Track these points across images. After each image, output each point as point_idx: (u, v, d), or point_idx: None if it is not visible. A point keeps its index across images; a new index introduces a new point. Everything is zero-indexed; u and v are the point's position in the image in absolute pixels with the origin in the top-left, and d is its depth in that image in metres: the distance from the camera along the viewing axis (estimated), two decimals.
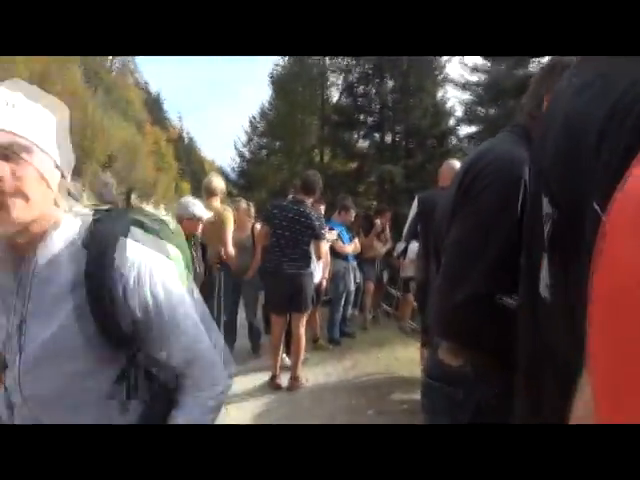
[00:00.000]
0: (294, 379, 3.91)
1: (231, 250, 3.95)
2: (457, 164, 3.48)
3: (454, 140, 16.00)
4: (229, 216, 3.96)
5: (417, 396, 3.76)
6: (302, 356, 3.98)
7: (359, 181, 16.63)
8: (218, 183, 4.14)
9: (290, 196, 4.05)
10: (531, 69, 13.65)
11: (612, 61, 0.57)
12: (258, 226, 4.80)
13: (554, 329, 0.62)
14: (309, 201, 3.85)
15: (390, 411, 3.52)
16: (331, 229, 5.15)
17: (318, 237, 3.76)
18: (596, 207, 0.50)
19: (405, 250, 6.21)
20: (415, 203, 3.56)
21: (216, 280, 4.07)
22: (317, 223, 3.73)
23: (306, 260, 3.79)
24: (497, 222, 0.91)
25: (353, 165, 17.06)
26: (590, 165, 0.51)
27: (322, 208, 4.82)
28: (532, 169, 0.72)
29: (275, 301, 3.96)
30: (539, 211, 0.63)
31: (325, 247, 3.89)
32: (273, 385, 3.89)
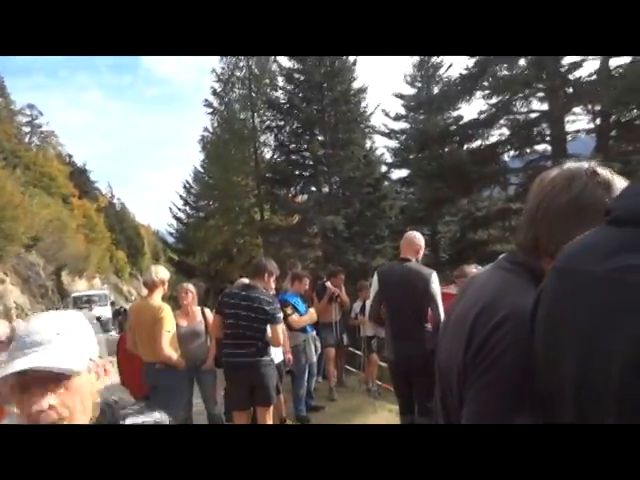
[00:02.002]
0: None
1: (165, 352, 3.65)
2: (417, 235, 3.52)
3: (387, 184, 16.75)
4: (164, 317, 3.68)
5: None
6: None
7: (302, 234, 16.78)
8: (163, 274, 3.88)
9: (240, 282, 3.87)
10: (447, 115, 14.75)
11: None
12: (207, 311, 4.54)
13: None
14: (260, 284, 3.70)
15: None
16: (286, 302, 4.97)
17: (273, 322, 3.52)
18: None
19: (363, 308, 6.15)
20: (375, 279, 3.50)
21: (162, 380, 3.74)
22: (270, 307, 3.51)
23: (263, 348, 3.54)
24: (520, 399, 0.80)
25: (294, 219, 17.22)
26: None
27: (272, 286, 4.67)
28: None
29: (236, 396, 3.65)
30: None
31: (281, 331, 3.68)
32: None
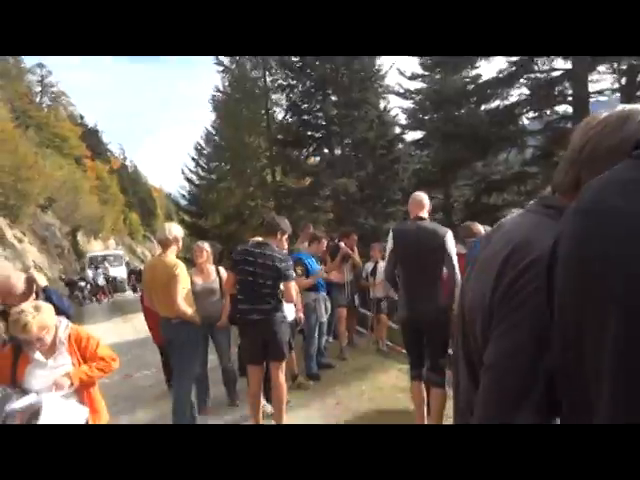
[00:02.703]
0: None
1: (180, 307, 3.72)
2: (423, 196, 3.45)
3: (401, 147, 16.43)
4: (179, 274, 3.72)
5: None
6: (285, 404, 3.80)
7: (314, 196, 16.68)
8: (177, 231, 3.90)
9: (253, 240, 3.88)
10: (465, 74, 14.22)
11: None
12: (222, 269, 4.60)
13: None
14: (273, 242, 3.70)
15: None
16: (299, 261, 5.00)
17: (286, 279, 3.57)
18: None
19: (374, 270, 6.18)
20: (390, 237, 3.47)
21: (178, 335, 3.84)
22: (283, 264, 3.54)
23: (276, 305, 3.59)
24: (547, 342, 0.80)
25: (306, 181, 17.08)
26: None
27: (285, 246, 4.71)
28: None
29: (250, 350, 3.74)
30: None
31: (294, 289, 3.72)
32: None
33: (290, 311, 4.53)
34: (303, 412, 4.22)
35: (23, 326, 2.16)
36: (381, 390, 4.61)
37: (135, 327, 9.76)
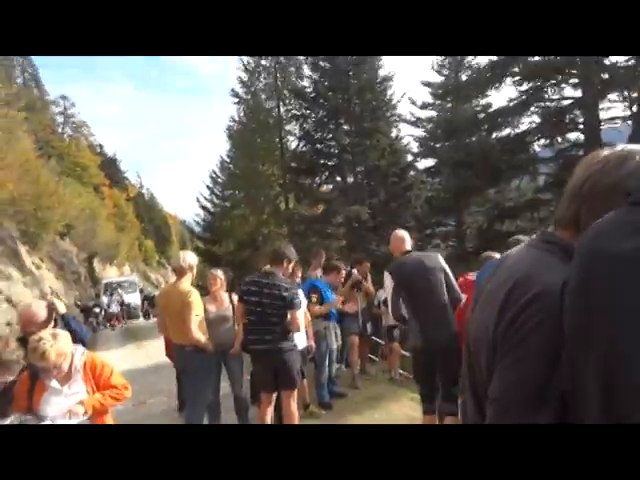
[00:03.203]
0: None
1: (194, 334, 3.76)
2: (405, 232, 3.70)
3: (413, 174, 16.56)
4: (192, 301, 3.79)
5: None
6: None
7: (326, 223, 16.79)
8: (191, 259, 3.99)
9: (262, 270, 3.94)
10: (475, 103, 14.43)
11: None
12: (235, 296, 4.64)
13: None
14: (279, 272, 3.74)
15: None
16: (314, 288, 5.03)
17: (292, 307, 3.58)
18: None
19: (386, 299, 6.15)
20: (387, 277, 3.59)
21: (191, 362, 3.87)
22: (288, 293, 3.57)
23: (284, 333, 3.60)
24: (551, 372, 0.82)
25: (319, 209, 17.23)
26: None
27: (299, 274, 4.76)
28: None
29: (261, 378, 3.77)
30: None
31: (300, 317, 3.67)
32: None
33: (301, 339, 4.53)
34: None
35: (41, 354, 2.21)
36: (394, 420, 4.54)
37: (148, 353, 9.80)
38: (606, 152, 0.97)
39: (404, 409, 4.85)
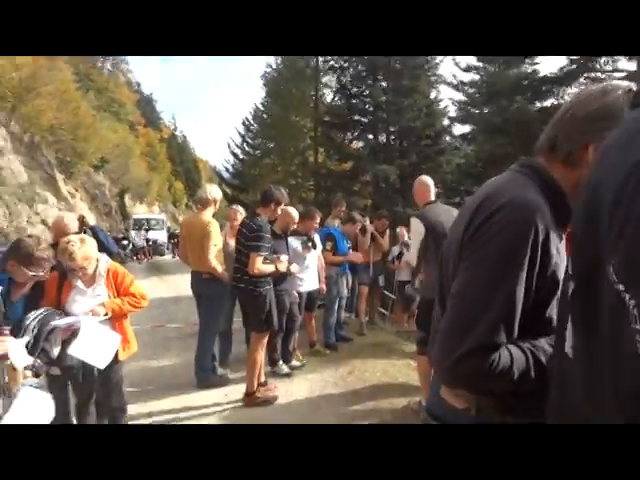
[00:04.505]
0: (247, 395, 3.74)
1: (211, 263, 3.96)
2: (428, 180, 3.49)
3: (448, 139, 16.15)
4: (211, 231, 3.97)
5: (414, 402, 3.77)
6: (256, 378, 3.75)
7: (353, 181, 16.71)
8: (216, 193, 4.15)
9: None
10: (523, 69, 13.75)
11: None
12: None
13: (574, 389, 0.64)
14: (265, 214, 3.71)
15: (387, 420, 3.54)
16: (329, 236, 5.16)
17: (249, 249, 3.53)
18: (610, 273, 0.51)
19: (400, 254, 6.26)
20: (417, 224, 3.33)
21: (207, 289, 4.10)
22: (252, 234, 3.52)
23: (252, 277, 3.55)
24: (504, 274, 0.91)
25: (347, 165, 17.13)
26: (604, 232, 0.53)
27: (316, 224, 4.81)
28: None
29: (243, 316, 3.99)
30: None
31: (259, 261, 3.51)
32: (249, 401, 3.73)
33: (312, 282, 4.71)
34: (316, 376, 4.42)
35: (69, 254, 2.43)
36: (395, 366, 4.74)
37: (170, 286, 10.27)
38: (592, 86, 1.03)
39: (406, 358, 5.03)
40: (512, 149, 11.33)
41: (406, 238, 5.49)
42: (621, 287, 0.49)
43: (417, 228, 3.35)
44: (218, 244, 4.07)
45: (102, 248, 2.88)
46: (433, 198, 3.45)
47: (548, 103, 11.82)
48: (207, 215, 4.08)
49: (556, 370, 0.73)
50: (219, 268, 4.03)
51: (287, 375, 4.37)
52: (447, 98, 17.62)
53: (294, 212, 4.30)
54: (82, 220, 3.11)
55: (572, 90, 11.34)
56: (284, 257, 3.85)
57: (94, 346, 2.48)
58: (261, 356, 3.79)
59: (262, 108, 20.95)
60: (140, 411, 3.59)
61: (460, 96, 15.74)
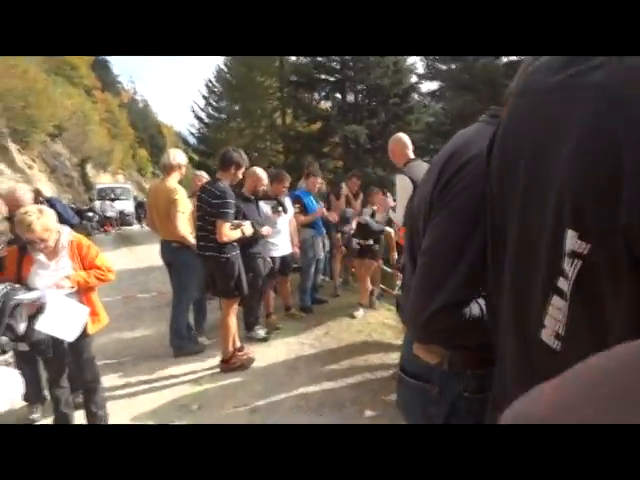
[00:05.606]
0: (223, 361, 3.76)
1: (180, 231, 3.86)
2: (406, 138, 3.35)
3: (416, 97, 15.99)
4: (177, 198, 3.83)
5: (390, 358, 3.88)
6: (230, 344, 3.75)
7: (323, 142, 16.48)
8: (180, 159, 3.99)
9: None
10: None
11: None
12: None
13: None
14: (226, 178, 3.58)
15: (365, 376, 3.64)
16: (297, 199, 5.11)
17: (217, 216, 3.44)
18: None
19: (373, 214, 6.26)
20: (405, 182, 3.10)
21: (177, 258, 4.03)
22: (216, 201, 3.42)
23: (217, 243, 3.49)
24: (474, 229, 0.89)
25: (316, 126, 16.82)
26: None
27: (285, 187, 4.74)
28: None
29: (209, 284, 3.83)
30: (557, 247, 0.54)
31: (226, 228, 3.44)
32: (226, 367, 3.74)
33: (285, 246, 4.69)
34: (292, 339, 4.48)
35: (27, 225, 2.31)
36: (370, 325, 4.84)
37: (140, 257, 10.07)
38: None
39: (381, 317, 5.16)
40: (481, 105, 11.34)
41: (390, 200, 5.44)
42: None
43: (404, 185, 3.15)
44: (186, 211, 3.97)
45: (62, 220, 2.75)
46: (412, 156, 3.30)
47: (515, 57, 11.77)
48: (172, 181, 3.95)
49: (516, 353, 0.68)
50: (188, 236, 3.94)
51: (264, 339, 4.41)
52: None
53: (262, 172, 4.21)
54: (37, 192, 2.94)
55: None
56: (247, 222, 3.77)
57: (62, 320, 2.41)
58: (234, 321, 3.78)
59: (225, 69, 20.12)
60: (116, 383, 3.57)
61: None
